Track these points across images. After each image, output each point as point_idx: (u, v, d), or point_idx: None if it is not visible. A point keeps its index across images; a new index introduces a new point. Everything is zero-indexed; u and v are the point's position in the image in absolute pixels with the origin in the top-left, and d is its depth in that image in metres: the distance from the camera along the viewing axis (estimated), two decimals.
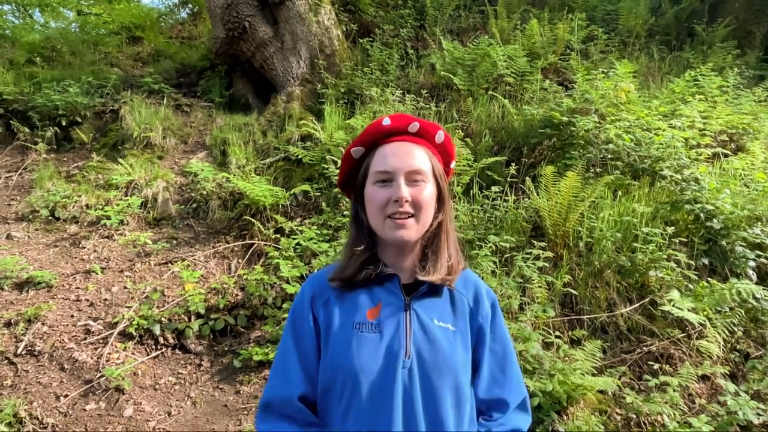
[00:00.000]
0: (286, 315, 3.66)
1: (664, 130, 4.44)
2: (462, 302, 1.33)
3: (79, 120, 6.33)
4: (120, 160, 5.59)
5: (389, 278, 1.30)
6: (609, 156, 4.42)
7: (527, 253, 3.63)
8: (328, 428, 1.23)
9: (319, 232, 4.44)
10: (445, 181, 1.34)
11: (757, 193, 4.01)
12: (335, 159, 4.94)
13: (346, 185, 1.42)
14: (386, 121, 1.29)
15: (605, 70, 5.41)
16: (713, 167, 4.48)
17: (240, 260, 4.58)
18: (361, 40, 6.94)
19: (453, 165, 1.43)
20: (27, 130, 6.08)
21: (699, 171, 4.03)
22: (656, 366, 3.08)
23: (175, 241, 4.85)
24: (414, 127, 1.30)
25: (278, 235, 4.60)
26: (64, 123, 6.20)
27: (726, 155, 4.64)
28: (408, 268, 1.32)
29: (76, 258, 4.57)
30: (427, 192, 1.26)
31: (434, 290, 1.30)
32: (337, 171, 1.51)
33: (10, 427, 3.01)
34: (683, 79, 5.63)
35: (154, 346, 3.77)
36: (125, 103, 6.37)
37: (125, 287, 4.20)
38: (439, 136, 1.34)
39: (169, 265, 4.50)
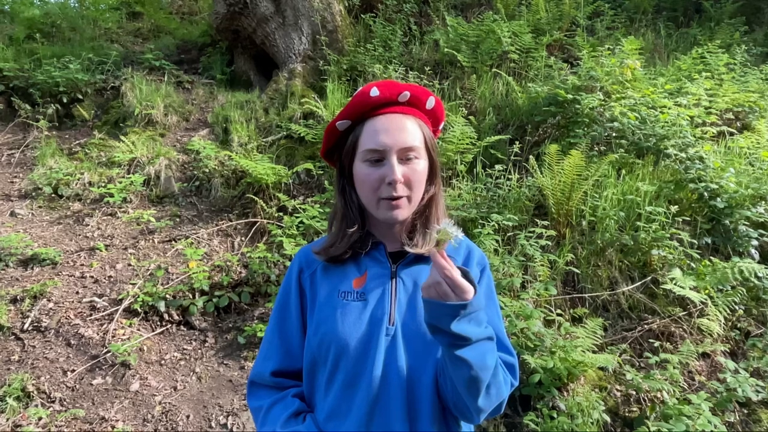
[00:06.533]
0: None
1: (669, 108, 4.40)
2: None
3: (80, 97, 6.29)
4: (122, 137, 5.57)
5: (375, 246, 1.28)
6: (613, 134, 4.38)
7: (530, 232, 3.63)
8: (315, 395, 1.24)
9: (321, 210, 4.43)
10: (437, 150, 1.30)
11: (762, 171, 3.97)
12: None
13: (329, 155, 1.36)
14: (374, 92, 1.20)
15: (611, 47, 5.33)
16: (718, 146, 4.44)
17: (243, 238, 4.60)
18: (363, 16, 6.82)
19: (441, 126, 1.38)
20: (28, 107, 6.04)
21: (704, 149, 4.00)
22: (657, 344, 3.11)
23: (178, 219, 4.86)
24: (404, 96, 1.22)
25: (281, 214, 4.61)
26: (65, 100, 6.17)
27: (731, 134, 4.60)
28: (396, 237, 1.29)
29: (80, 235, 4.58)
30: (420, 168, 1.22)
31: (422, 257, 1.26)
32: None
33: (19, 401, 3.06)
34: (690, 56, 5.54)
35: (159, 323, 3.81)
36: (126, 79, 6.32)
37: (129, 264, 4.22)
38: (430, 102, 1.27)
39: (173, 242, 4.52)
